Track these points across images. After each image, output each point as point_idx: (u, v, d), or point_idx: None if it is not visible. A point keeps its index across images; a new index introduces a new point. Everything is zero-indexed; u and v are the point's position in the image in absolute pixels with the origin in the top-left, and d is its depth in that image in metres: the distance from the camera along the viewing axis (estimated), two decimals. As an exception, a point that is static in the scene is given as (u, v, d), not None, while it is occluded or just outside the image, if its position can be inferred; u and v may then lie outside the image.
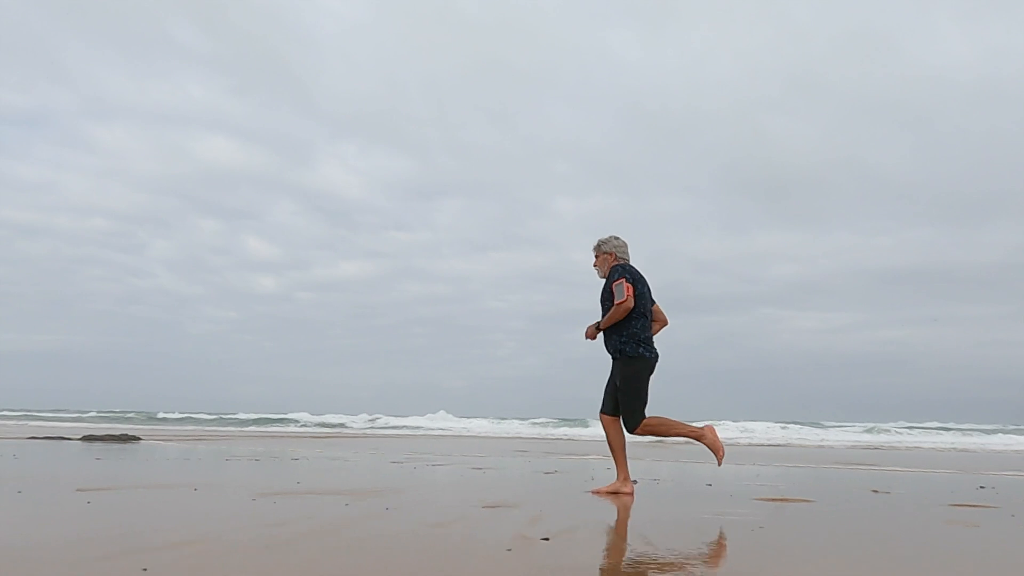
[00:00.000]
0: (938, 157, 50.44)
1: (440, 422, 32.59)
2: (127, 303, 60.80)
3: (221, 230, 61.02)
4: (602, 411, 5.15)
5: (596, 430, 25.56)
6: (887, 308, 53.87)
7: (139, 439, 13.69)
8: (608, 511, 4.04)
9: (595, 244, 5.34)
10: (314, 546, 2.65)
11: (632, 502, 4.51)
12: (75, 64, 54.23)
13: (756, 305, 56.57)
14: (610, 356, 5.12)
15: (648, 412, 5.00)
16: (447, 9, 54.98)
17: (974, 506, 4.68)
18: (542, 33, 55.56)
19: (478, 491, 5.12)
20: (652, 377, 5.02)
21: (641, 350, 4.95)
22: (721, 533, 3.25)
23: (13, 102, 53.03)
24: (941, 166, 51.01)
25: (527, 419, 34.57)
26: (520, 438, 21.57)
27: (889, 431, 25.90)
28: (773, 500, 4.75)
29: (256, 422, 35.30)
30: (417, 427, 30.54)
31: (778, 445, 18.15)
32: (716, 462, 5.10)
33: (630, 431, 4.99)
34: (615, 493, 4.99)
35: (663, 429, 4.97)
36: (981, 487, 6.20)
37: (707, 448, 5.07)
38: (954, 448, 17.86)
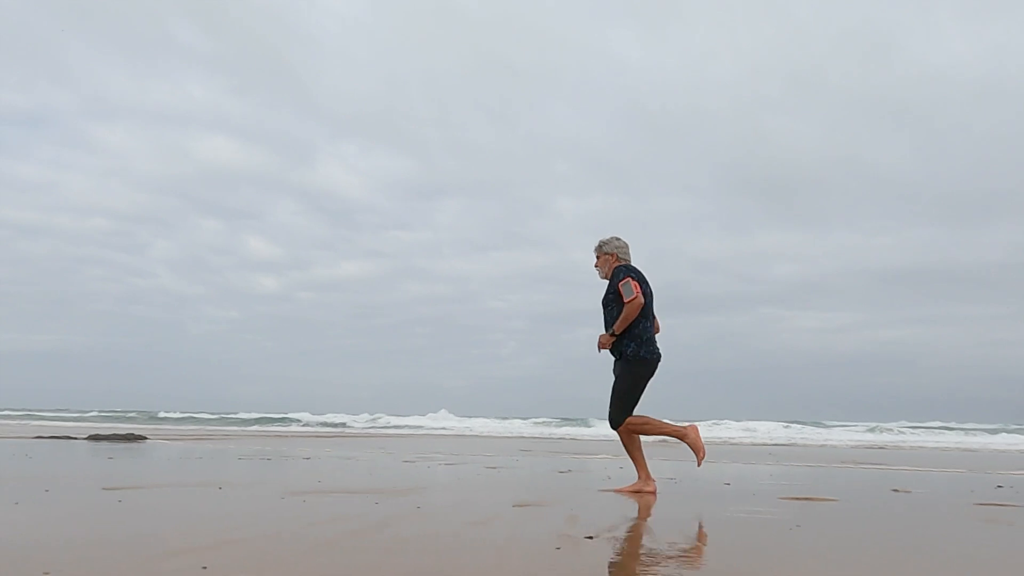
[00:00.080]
0: (939, 156, 50.50)
1: (441, 421, 32.57)
2: (128, 303, 60.68)
3: (222, 230, 60.89)
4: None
5: (599, 430, 25.62)
6: (888, 308, 53.94)
7: (145, 439, 13.67)
8: (640, 510, 4.04)
9: (596, 245, 5.34)
10: (364, 544, 2.64)
11: (655, 501, 4.50)
12: (76, 64, 54.03)
13: (757, 305, 56.59)
14: (613, 357, 5.12)
15: (648, 412, 5.05)
16: (447, 7, 54.94)
17: (1000, 505, 4.69)
18: (543, 32, 55.55)
19: (501, 490, 5.12)
20: (653, 376, 5.05)
21: (643, 352, 4.95)
22: (762, 532, 3.25)
23: (14, 102, 52.84)
24: (942, 165, 51.05)
25: (529, 418, 34.57)
26: (523, 437, 21.57)
27: (892, 430, 25.95)
28: (798, 499, 4.75)
29: (258, 422, 35.23)
30: (418, 427, 30.52)
31: (782, 444, 18.17)
32: (696, 461, 5.14)
33: (613, 427, 5.02)
34: (638, 492, 4.99)
35: (646, 428, 4.98)
36: (999, 486, 6.21)
37: (688, 447, 5.09)
38: (959, 447, 17.90)
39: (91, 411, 44.85)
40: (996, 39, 45.94)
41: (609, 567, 2.36)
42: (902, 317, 53.35)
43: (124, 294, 59.97)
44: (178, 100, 54.04)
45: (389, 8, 54.56)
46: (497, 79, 57.76)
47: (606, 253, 5.27)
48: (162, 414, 40.59)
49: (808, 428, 26.13)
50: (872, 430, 25.89)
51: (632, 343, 4.96)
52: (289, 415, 37.43)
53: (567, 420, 32.54)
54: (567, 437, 21.52)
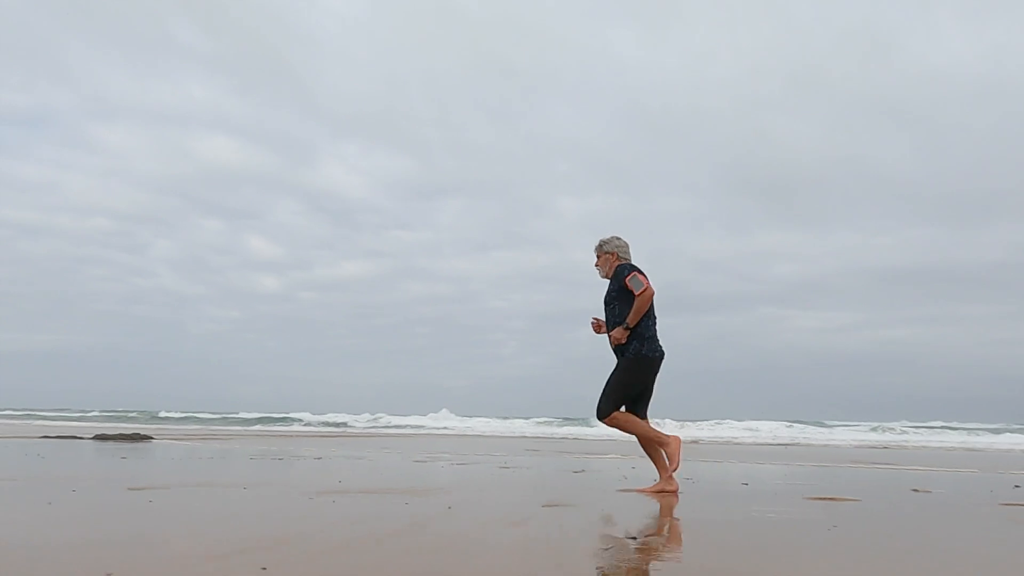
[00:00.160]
0: (940, 155, 50.62)
1: (443, 421, 32.58)
2: (129, 303, 60.67)
3: (223, 230, 60.90)
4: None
5: (601, 430, 25.56)
6: (889, 307, 54.09)
7: (151, 438, 13.65)
8: (670, 511, 4.04)
9: (597, 244, 5.34)
10: (409, 545, 2.64)
11: (677, 502, 4.49)
12: (76, 64, 54.02)
13: (758, 304, 56.71)
14: (615, 354, 5.12)
15: (650, 412, 5.08)
16: (447, 7, 54.96)
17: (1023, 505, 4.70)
18: (543, 31, 55.59)
19: (524, 490, 5.13)
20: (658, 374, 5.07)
21: (645, 350, 4.96)
22: (803, 534, 3.26)
23: (14, 102, 52.83)
24: (943, 164, 51.19)
25: (530, 418, 34.58)
26: (527, 437, 21.58)
27: (894, 430, 26.00)
28: (821, 499, 4.76)
29: (260, 421, 35.21)
30: (420, 426, 30.52)
31: (786, 444, 18.20)
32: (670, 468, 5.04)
33: (599, 417, 5.03)
34: (660, 492, 4.99)
35: (630, 427, 4.99)
36: (1016, 486, 6.22)
37: (666, 455, 5.01)
38: (964, 447, 17.94)
39: (92, 411, 44.78)
40: (996, 39, 46.11)
41: (666, 569, 2.35)
42: (903, 317, 53.51)
43: (125, 294, 60.01)
44: (178, 100, 54.07)
45: (389, 8, 54.57)
46: (497, 79, 57.80)
47: (606, 252, 5.27)
48: (163, 414, 40.54)
49: (810, 428, 26.18)
50: (874, 430, 25.94)
51: (635, 341, 4.98)
52: (290, 415, 37.40)
53: (568, 420, 32.53)
54: (570, 436, 21.54)
